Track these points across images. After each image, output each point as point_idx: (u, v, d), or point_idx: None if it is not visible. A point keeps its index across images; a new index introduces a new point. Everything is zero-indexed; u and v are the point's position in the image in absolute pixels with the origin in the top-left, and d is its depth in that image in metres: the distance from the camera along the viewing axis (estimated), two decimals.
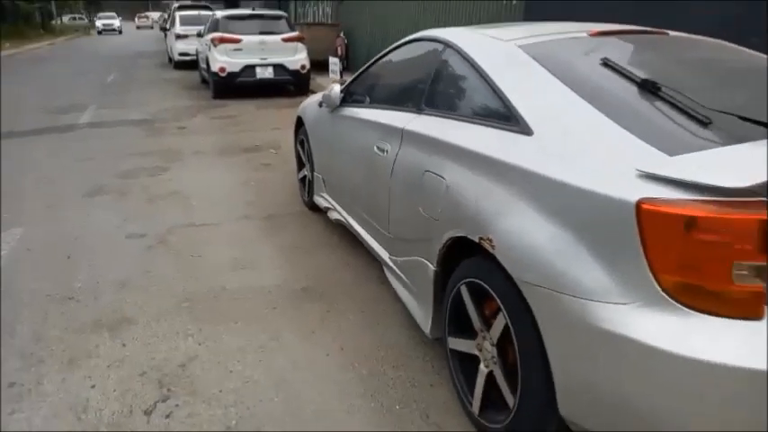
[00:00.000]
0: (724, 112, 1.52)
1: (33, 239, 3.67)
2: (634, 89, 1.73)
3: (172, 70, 14.81)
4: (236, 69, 9.51)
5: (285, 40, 9.84)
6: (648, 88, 1.69)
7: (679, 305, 1.28)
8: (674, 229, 1.27)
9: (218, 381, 2.25)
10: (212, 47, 9.66)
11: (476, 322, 1.92)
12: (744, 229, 1.21)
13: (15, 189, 4.73)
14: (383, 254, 2.73)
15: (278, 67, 9.68)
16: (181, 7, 18.25)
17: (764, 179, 1.19)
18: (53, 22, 42.68)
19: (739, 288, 1.23)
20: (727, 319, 1.25)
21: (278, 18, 10.33)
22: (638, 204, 1.30)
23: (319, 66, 10.65)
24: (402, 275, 2.50)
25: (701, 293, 1.26)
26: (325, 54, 10.78)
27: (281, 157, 5.74)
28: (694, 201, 1.25)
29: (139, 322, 2.68)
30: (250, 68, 9.55)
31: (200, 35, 11.46)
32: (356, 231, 3.10)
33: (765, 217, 1.19)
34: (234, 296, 2.93)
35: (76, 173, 5.23)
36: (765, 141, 1.36)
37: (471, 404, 1.96)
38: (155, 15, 52.70)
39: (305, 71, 9.89)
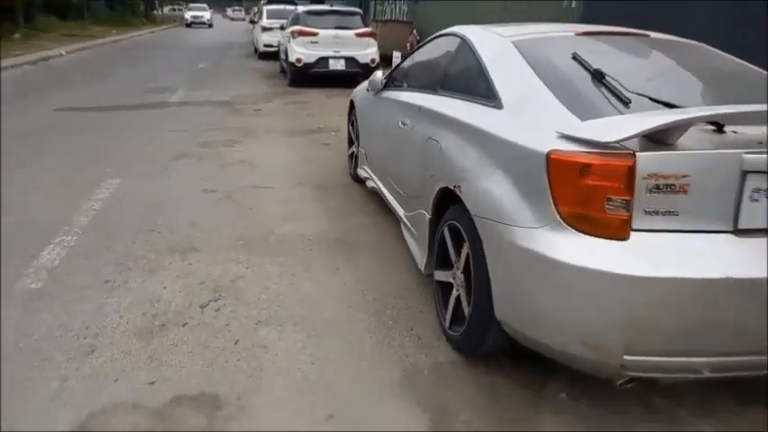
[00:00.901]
0: (641, 95, 1.95)
1: (128, 188, 4.51)
2: (586, 76, 2.17)
3: (256, 60, 15.95)
4: (312, 60, 10.31)
5: (358, 35, 10.53)
6: (596, 76, 2.13)
7: (571, 228, 1.75)
8: (568, 172, 1.74)
9: (256, 293, 2.89)
10: (291, 39, 10.52)
11: (452, 256, 2.44)
12: (614, 173, 1.66)
13: (116, 150, 5.67)
14: (400, 211, 3.28)
15: (349, 60, 10.37)
16: (269, 1, 19.51)
17: (631, 133, 1.63)
18: (154, 12, 45.94)
19: (611, 216, 1.69)
20: (602, 239, 1.71)
21: (353, 14, 11.05)
22: (548, 155, 1.79)
23: (391, 60, 11.27)
24: (410, 226, 3.04)
25: (585, 220, 1.73)
26: (398, 49, 11.38)
27: (339, 138, 6.39)
28: (583, 152, 1.72)
29: (203, 251, 3.38)
30: (324, 60, 10.31)
31: (282, 28, 12.41)
32: (384, 195, 3.66)
33: (631, 164, 1.64)
34: (279, 239, 3.58)
35: (165, 141, 6.12)
36: (650, 112, 1.79)
37: (445, 320, 2.48)
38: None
39: (374, 64, 10.52)
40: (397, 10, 15.70)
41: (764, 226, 1.69)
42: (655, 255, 1.67)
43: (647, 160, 1.65)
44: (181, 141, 6.11)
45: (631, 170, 1.65)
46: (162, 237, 3.57)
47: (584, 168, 1.71)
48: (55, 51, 15.68)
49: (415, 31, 12.83)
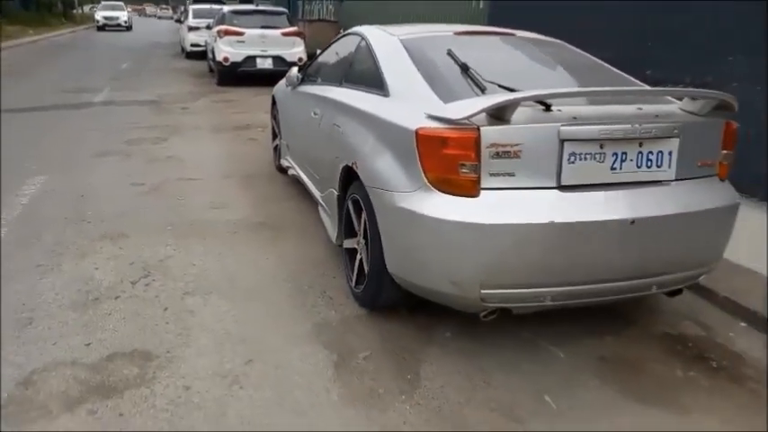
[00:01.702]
0: (494, 83, 2.42)
1: (55, 184, 4.64)
2: (456, 69, 2.62)
3: (183, 60, 15.82)
4: (239, 59, 10.47)
5: (284, 34, 10.79)
6: (462, 68, 2.59)
7: (435, 190, 2.19)
8: (431, 144, 2.18)
9: (183, 269, 3.18)
10: (218, 38, 10.64)
11: (356, 225, 2.84)
12: (464, 144, 2.11)
13: (39, 150, 5.71)
14: (316, 193, 3.65)
15: (277, 59, 10.60)
16: (196, 1, 19.32)
17: (473, 112, 2.09)
18: (74, 11, 43.68)
19: (463, 178, 2.13)
20: (459, 197, 2.15)
21: (279, 14, 11.31)
22: (416, 131, 2.22)
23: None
24: (324, 205, 3.42)
25: (444, 182, 2.17)
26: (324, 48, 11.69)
27: (266, 134, 6.62)
28: (441, 128, 2.16)
29: (132, 236, 3.62)
30: (251, 59, 10.50)
31: (209, 27, 12.45)
32: (303, 181, 4.02)
33: (475, 135, 2.10)
34: (205, 224, 3.87)
35: (90, 140, 6.20)
36: (491, 95, 2.24)
37: (351, 281, 2.88)
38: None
39: (301, 63, 10.82)
40: (325, 10, 16.01)
41: (579, 182, 2.19)
42: (499, 207, 2.13)
43: (489, 133, 2.11)
44: (106, 140, 6.21)
45: (477, 141, 2.10)
46: (92, 226, 3.77)
47: (443, 141, 2.15)
48: None
49: (341, 30, 13.18)
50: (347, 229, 2.98)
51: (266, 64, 10.56)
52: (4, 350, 2.38)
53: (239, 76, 10.51)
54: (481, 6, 7.61)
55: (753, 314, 2.82)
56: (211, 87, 10.64)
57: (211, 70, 12.09)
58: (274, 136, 5.23)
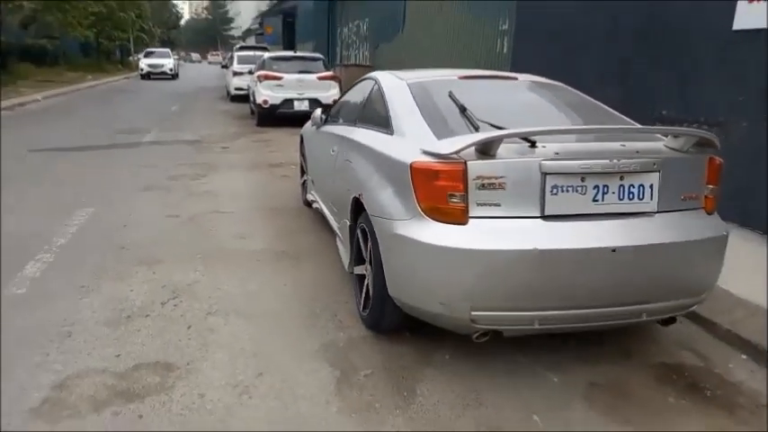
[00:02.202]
0: (486, 122, 2.63)
1: (101, 215, 5.06)
2: (454, 109, 2.86)
3: (228, 103, 16.71)
4: (277, 102, 11.06)
5: (320, 78, 11.36)
6: (460, 109, 2.82)
7: (428, 218, 2.39)
8: (424, 177, 2.40)
9: (208, 292, 3.45)
10: (258, 82, 11.28)
11: (364, 252, 3.05)
12: (452, 175, 2.32)
13: (90, 185, 6.22)
14: (334, 225, 3.90)
15: (313, 101, 11.11)
16: (241, 48, 20.47)
17: (459, 147, 2.30)
18: (131, 58, 46.50)
19: (452, 207, 2.33)
20: (449, 224, 2.35)
21: (315, 60, 11.93)
22: (411, 164, 2.45)
23: None
24: (340, 235, 3.66)
25: (436, 211, 2.37)
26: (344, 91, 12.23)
27: (297, 171, 7.03)
28: (432, 162, 2.38)
29: (165, 262, 3.94)
30: (289, 101, 11.07)
31: (250, 72, 13.21)
32: (325, 213, 4.29)
33: (462, 168, 2.30)
34: (232, 252, 4.16)
35: (136, 175, 6.70)
36: (479, 134, 2.45)
37: (360, 305, 3.08)
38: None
39: None
40: (361, 56, 16.71)
41: (563, 212, 2.36)
42: (486, 234, 2.31)
43: (475, 166, 2.31)
44: (151, 175, 6.69)
45: (464, 173, 2.31)
46: (130, 252, 4.12)
47: (434, 173, 2.37)
48: (31, 97, 16.20)
49: None
50: (357, 257, 3.20)
51: (303, 106, 11.09)
52: (46, 357, 2.67)
53: (278, 117, 11.07)
54: (505, 51, 7.90)
55: (753, 347, 2.86)
56: (251, 128, 11.23)
57: (252, 112, 12.75)
58: (302, 172, 5.55)
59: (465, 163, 2.32)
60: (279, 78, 11.10)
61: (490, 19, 8.37)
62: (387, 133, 2.99)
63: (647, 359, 2.82)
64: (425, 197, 2.40)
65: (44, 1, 24.81)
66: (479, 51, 8.71)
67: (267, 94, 11.04)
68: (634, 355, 2.86)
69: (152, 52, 31.73)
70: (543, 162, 2.32)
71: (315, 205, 4.72)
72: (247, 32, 59.58)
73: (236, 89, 16.31)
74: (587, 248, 2.31)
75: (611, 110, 3.12)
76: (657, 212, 2.45)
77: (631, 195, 2.41)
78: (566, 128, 2.60)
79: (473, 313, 2.36)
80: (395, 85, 3.34)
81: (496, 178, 2.32)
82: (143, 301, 3.32)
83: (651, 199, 2.43)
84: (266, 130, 10.91)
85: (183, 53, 61.49)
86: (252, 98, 12.33)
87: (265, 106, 11.04)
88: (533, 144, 2.41)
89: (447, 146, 2.40)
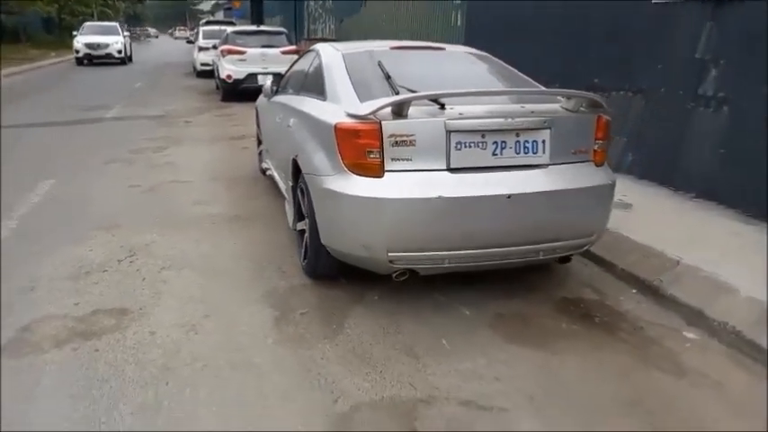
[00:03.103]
0: (405, 87, 2.95)
1: (62, 186, 5.26)
2: (381, 77, 3.16)
3: (194, 78, 16.63)
4: (241, 77, 11.17)
5: (284, 52, 11.46)
6: (386, 77, 3.12)
7: (350, 173, 2.72)
8: (345, 136, 2.71)
9: (164, 251, 3.74)
10: (221, 57, 11.37)
11: (304, 209, 3.37)
12: (370, 134, 2.64)
13: (53, 158, 6.38)
14: (282, 188, 4.20)
15: (276, 75, 11.20)
16: (207, 23, 20.22)
17: (373, 109, 2.62)
18: None
19: (370, 162, 2.66)
20: (368, 177, 2.68)
21: (278, 34, 12.03)
22: (335, 125, 2.76)
23: None
24: (286, 196, 3.97)
25: (357, 166, 2.69)
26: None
27: (255, 142, 7.28)
28: (353, 122, 2.70)
29: (124, 227, 4.20)
30: (252, 76, 11.16)
31: (215, 47, 13.23)
32: (276, 179, 4.58)
33: (377, 127, 2.62)
34: (189, 217, 4.44)
35: (99, 149, 6.86)
36: (396, 96, 2.77)
37: (301, 257, 3.41)
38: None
39: None
40: (327, 29, 16.79)
41: (466, 165, 2.71)
42: (398, 185, 2.65)
43: (389, 125, 2.64)
44: (112, 149, 6.86)
45: (379, 132, 2.63)
46: (90, 219, 4.36)
47: (354, 132, 2.69)
48: None
49: None
50: (298, 214, 3.51)
51: (267, 80, 11.16)
52: (12, 307, 2.95)
53: (241, 92, 11.18)
54: (459, 24, 8.18)
55: (642, 282, 3.26)
56: (216, 103, 11.34)
57: (218, 87, 12.81)
58: (259, 143, 5.81)
59: (380, 123, 2.64)
60: (242, 53, 11.21)
61: None
62: (321, 99, 3.29)
63: (551, 295, 3.22)
64: (347, 154, 2.72)
65: None
66: (436, 24, 8.97)
67: (230, 68, 11.15)
68: (540, 291, 3.26)
69: (92, 27, 22.85)
70: (447, 121, 2.66)
71: (268, 173, 5.01)
72: (216, 7, 58.34)
73: (202, 64, 16.23)
74: (485, 195, 2.67)
75: (524, 77, 3.46)
76: (550, 164, 2.82)
77: (526, 150, 2.77)
78: (469, 91, 2.92)
79: (390, 254, 2.71)
80: (332, 55, 3.62)
81: (407, 136, 2.65)
82: (102, 259, 3.60)
83: (544, 153, 2.79)
84: (230, 104, 11.03)
85: (139, 29, 59.99)
86: (216, 73, 12.39)
87: (229, 81, 11.15)
88: (443, 106, 2.74)
89: (365, 108, 2.71)
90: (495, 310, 3.03)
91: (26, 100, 11.56)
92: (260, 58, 11.25)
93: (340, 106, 2.97)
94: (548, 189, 2.76)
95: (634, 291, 3.28)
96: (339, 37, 14.47)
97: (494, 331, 2.83)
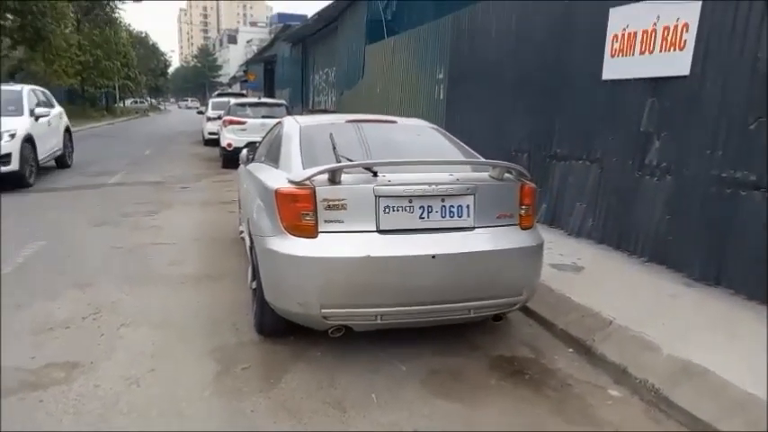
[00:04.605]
0: (346, 157, 3.21)
1: (50, 246, 5.54)
2: (329, 147, 3.44)
3: (202, 146, 17.36)
4: (241, 145, 11.57)
5: None
6: (333, 147, 3.41)
7: (288, 234, 2.94)
8: (283, 199, 2.96)
9: (128, 308, 3.93)
10: (223, 127, 11.97)
11: (255, 269, 3.58)
12: (303, 197, 2.88)
13: (48, 221, 6.71)
14: (247, 249, 4.43)
15: (251, 144, 11.75)
16: (219, 95, 21.32)
17: (309, 175, 2.87)
18: (116, 104, 47.22)
19: (305, 224, 2.88)
20: (303, 238, 2.89)
21: (278, 105, 12.69)
22: (276, 190, 3.01)
23: None
24: (249, 256, 4.19)
25: (293, 227, 2.92)
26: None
27: None
28: (290, 188, 2.95)
29: (96, 285, 4.41)
30: (252, 144, 11.68)
31: (220, 118, 13.93)
32: (245, 241, 4.82)
33: (311, 192, 2.87)
34: (161, 276, 4.65)
35: (93, 212, 7.20)
36: (334, 164, 3.03)
37: (254, 315, 3.58)
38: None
39: None
40: (329, 101, 17.63)
41: (394, 227, 2.92)
42: (331, 245, 2.86)
43: (322, 191, 2.88)
44: (106, 213, 7.20)
45: (313, 197, 2.88)
46: (68, 277, 4.59)
47: (291, 197, 2.93)
48: None
49: None
50: (254, 273, 3.71)
51: (243, 150, 11.71)
52: None
53: None
54: (441, 97, 8.65)
55: (577, 341, 3.37)
56: (216, 170, 11.84)
57: (221, 155, 13.38)
58: (240, 207, 6.11)
59: (314, 188, 2.89)
60: (243, 123, 11.80)
61: (429, 70, 9.18)
62: (275, 167, 3.57)
63: (488, 352, 3.34)
64: (285, 216, 2.96)
65: (31, 51, 25.74)
66: (422, 97, 9.48)
67: (231, 137, 11.71)
68: (480, 348, 3.38)
69: None
70: (376, 187, 2.90)
71: (242, 235, 5.25)
72: (233, 79, 61.33)
73: (210, 133, 16.96)
74: (411, 255, 2.86)
75: (467, 148, 3.73)
76: (475, 227, 3.02)
77: (452, 213, 2.98)
78: (399, 160, 3.18)
79: (323, 310, 2.88)
80: (292, 127, 3.94)
81: (339, 200, 2.88)
82: (67, 316, 3.79)
83: (468, 216, 3.01)
84: (230, 171, 11.46)
85: (160, 99, 63.78)
86: (219, 141, 12.99)
87: (229, 149, 11.67)
88: (375, 174, 2.99)
89: (302, 174, 2.98)
90: (431, 367, 3.15)
91: None
92: (260, 128, 11.72)
93: (284, 174, 3.23)
94: (471, 250, 2.95)
95: (570, 350, 3.38)
96: (339, 108, 15.17)
97: (423, 386, 2.94)
